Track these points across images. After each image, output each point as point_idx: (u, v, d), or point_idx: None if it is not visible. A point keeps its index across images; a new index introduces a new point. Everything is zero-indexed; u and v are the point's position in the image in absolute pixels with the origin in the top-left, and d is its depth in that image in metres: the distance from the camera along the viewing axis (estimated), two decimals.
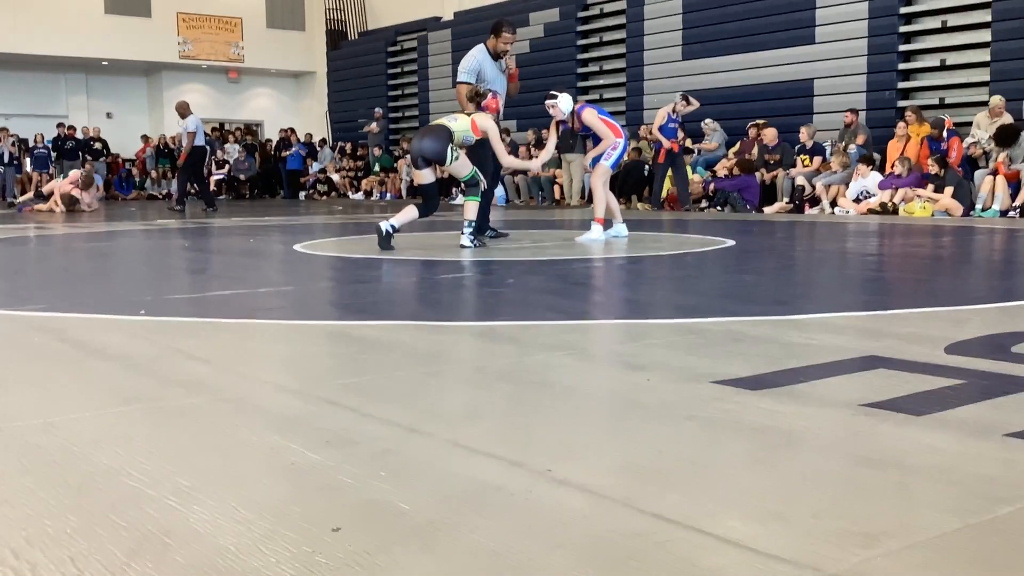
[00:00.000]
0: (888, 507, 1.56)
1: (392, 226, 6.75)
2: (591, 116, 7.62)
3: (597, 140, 7.72)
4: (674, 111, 13.10)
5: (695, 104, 13.18)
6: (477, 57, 7.56)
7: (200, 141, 14.52)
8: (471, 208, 7.04)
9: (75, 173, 15.93)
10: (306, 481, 1.73)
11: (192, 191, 17.14)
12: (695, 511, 1.54)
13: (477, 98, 7.10)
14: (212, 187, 22.08)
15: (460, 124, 6.85)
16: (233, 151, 22.73)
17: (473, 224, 7.01)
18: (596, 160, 7.79)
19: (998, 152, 11.26)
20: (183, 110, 14.63)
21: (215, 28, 24.78)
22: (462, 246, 6.85)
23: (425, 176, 6.96)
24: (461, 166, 6.90)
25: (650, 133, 14.25)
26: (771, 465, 1.79)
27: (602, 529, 1.48)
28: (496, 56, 7.62)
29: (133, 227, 10.98)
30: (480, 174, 7.07)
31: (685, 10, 15.57)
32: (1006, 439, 1.92)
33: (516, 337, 3.25)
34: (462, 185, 7.14)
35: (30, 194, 17.03)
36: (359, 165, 21.41)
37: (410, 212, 6.96)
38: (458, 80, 7.58)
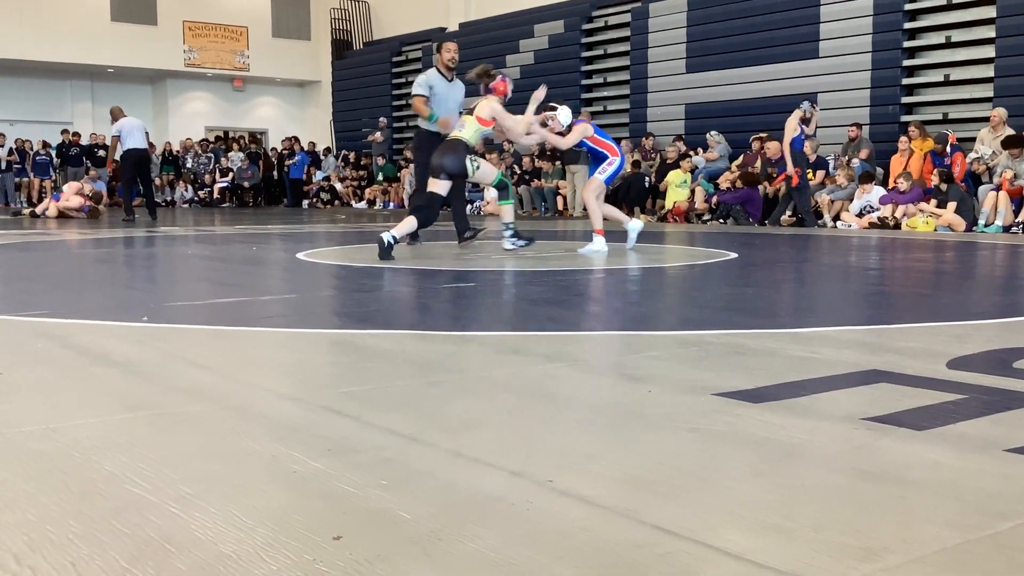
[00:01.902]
0: (889, 521, 1.56)
1: (393, 237, 6.77)
2: (576, 129, 7.55)
3: (595, 155, 7.69)
4: (803, 120, 11.93)
5: (817, 109, 12.36)
6: (429, 75, 8.11)
7: (138, 144, 13.53)
8: (508, 211, 7.17)
9: (74, 186, 15.88)
10: (307, 489, 1.73)
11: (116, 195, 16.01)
12: (696, 523, 1.54)
13: (487, 77, 7.11)
14: (216, 194, 22.23)
15: (468, 129, 6.91)
16: (237, 159, 22.78)
17: (513, 227, 7.08)
18: (593, 168, 7.73)
19: (1006, 162, 11.20)
20: (115, 114, 13.82)
21: (221, 37, 24.86)
22: (505, 249, 6.90)
23: (440, 187, 7.01)
24: (486, 173, 6.98)
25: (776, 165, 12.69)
26: (772, 478, 1.79)
27: (603, 540, 1.48)
28: (448, 69, 8.09)
29: (137, 233, 11.00)
30: (507, 178, 7.21)
31: (689, 23, 15.62)
32: (1007, 454, 1.92)
33: (518, 347, 3.25)
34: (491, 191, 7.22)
35: (47, 202, 16.30)
36: (362, 174, 21.46)
37: (410, 223, 6.99)
38: (414, 93, 8.12)
